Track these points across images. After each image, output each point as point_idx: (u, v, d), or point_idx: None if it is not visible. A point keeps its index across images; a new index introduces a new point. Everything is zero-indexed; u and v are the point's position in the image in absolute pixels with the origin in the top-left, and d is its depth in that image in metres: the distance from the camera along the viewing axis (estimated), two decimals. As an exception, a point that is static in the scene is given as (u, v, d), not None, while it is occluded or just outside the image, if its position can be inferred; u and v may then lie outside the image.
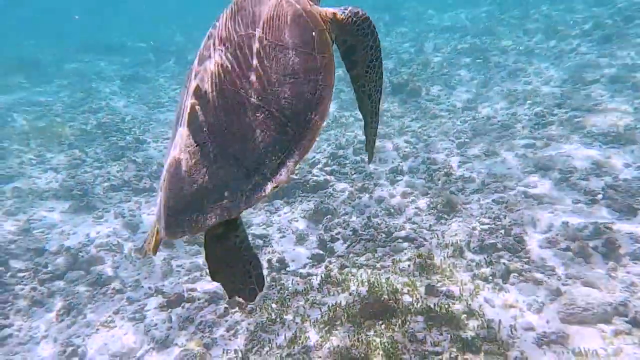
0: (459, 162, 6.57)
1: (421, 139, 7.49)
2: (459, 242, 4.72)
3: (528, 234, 4.68)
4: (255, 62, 1.81)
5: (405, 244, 4.89)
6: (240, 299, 1.89)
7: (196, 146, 1.74)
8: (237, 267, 1.85)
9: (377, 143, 7.44)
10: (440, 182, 6.10)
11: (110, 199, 6.84)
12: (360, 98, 2.31)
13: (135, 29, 20.38)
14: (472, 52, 11.08)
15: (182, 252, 5.45)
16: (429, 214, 5.45)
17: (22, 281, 5.02)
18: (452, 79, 9.90)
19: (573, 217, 4.74)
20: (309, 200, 6.07)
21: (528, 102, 7.95)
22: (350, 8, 2.09)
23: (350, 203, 5.96)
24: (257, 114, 1.74)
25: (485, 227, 4.94)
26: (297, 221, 5.69)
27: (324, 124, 1.86)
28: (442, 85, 9.68)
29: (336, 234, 5.31)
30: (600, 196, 4.93)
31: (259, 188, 1.70)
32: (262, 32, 1.85)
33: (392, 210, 5.64)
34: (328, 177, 6.55)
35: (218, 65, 1.82)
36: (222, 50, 1.85)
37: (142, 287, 4.88)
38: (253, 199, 1.70)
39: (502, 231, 4.76)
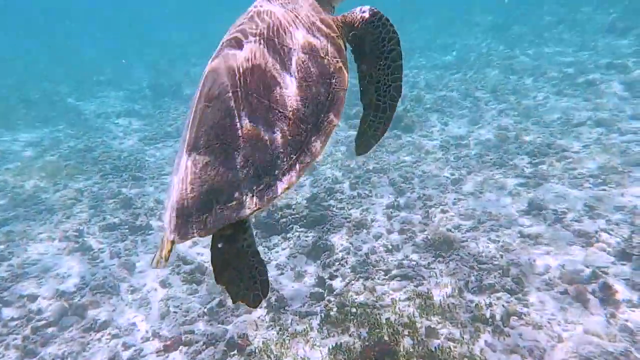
0: (454, 198, 6.66)
1: (416, 175, 7.60)
2: (457, 281, 4.74)
3: (526, 275, 4.72)
4: (269, 66, 1.81)
5: (404, 282, 4.89)
6: (244, 304, 1.85)
7: (206, 148, 1.73)
8: (244, 271, 1.81)
9: (374, 178, 7.61)
10: (436, 219, 6.16)
11: (106, 238, 6.70)
12: (366, 89, 2.16)
13: (132, 63, 20.53)
14: (464, 89, 11.42)
15: (179, 291, 5.35)
16: (427, 251, 5.48)
17: (14, 330, 4.84)
18: (444, 115, 10.14)
19: (568, 259, 4.82)
20: (307, 236, 6.06)
21: (519, 140, 8.17)
22: (358, 8, 2.11)
23: (348, 239, 5.96)
24: (270, 116, 1.73)
25: (483, 266, 4.99)
26: (295, 257, 5.65)
27: (337, 126, 1.84)
28: (436, 121, 9.91)
29: (335, 271, 5.29)
30: (594, 239, 5.03)
31: (270, 189, 1.68)
32: (277, 38, 1.87)
33: (390, 247, 5.66)
34: (325, 212, 6.56)
35: (229, 68, 1.82)
36: (234, 55, 1.85)
37: (139, 330, 4.75)
38: (264, 200, 1.67)
39: (500, 271, 4.80)
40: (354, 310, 4.48)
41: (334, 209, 6.75)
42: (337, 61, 1.89)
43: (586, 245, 5.00)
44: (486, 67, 12.82)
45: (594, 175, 6.40)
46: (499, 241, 5.42)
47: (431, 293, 4.58)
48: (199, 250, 6.15)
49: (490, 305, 4.34)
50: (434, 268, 5.11)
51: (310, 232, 6.19)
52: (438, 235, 5.63)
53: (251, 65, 1.81)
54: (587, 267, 4.57)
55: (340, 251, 5.69)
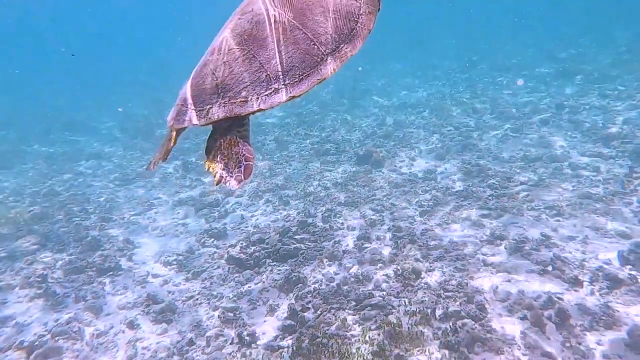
0: (422, 229, 6.94)
1: (386, 207, 7.88)
2: (425, 309, 4.92)
3: (488, 301, 4.97)
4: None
5: (374, 312, 5.03)
6: (226, 186, 1.94)
7: (228, 50, 1.92)
8: (232, 155, 1.93)
9: (345, 211, 7.85)
10: (405, 249, 6.40)
11: (71, 282, 6.54)
12: None
13: (102, 104, 20.47)
14: (429, 126, 12.02)
15: (147, 332, 5.29)
16: (396, 281, 5.67)
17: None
18: (412, 151, 10.61)
19: (528, 286, 5.11)
20: (280, 270, 6.16)
21: (482, 174, 8.65)
22: None
23: (320, 271, 6.09)
24: (294, 33, 1.91)
25: (449, 294, 5.20)
26: (267, 291, 5.72)
27: (352, 56, 1.99)
28: (404, 156, 10.35)
29: (307, 303, 5.38)
30: (550, 267, 5.37)
31: (276, 94, 1.87)
32: None
33: (361, 277, 5.82)
34: (298, 245, 6.70)
35: None
36: None
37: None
38: (267, 103, 1.86)
39: (465, 299, 5.03)
40: (325, 341, 4.57)
41: (307, 242, 6.89)
42: (368, 7, 2.06)
43: (543, 273, 5.32)
44: (451, 106, 13.56)
45: (549, 207, 6.85)
46: (464, 269, 5.68)
47: (400, 321, 4.74)
48: (170, 288, 6.13)
49: (455, 331, 4.53)
50: (404, 297, 5.29)
51: (283, 265, 6.30)
52: (407, 265, 5.84)
53: None
54: (544, 293, 4.86)
55: (313, 283, 5.81)
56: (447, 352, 4.27)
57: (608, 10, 24.01)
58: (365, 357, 4.15)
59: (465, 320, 4.70)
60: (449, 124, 12.00)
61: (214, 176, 1.94)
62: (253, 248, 6.53)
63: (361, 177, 9.38)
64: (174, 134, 2.13)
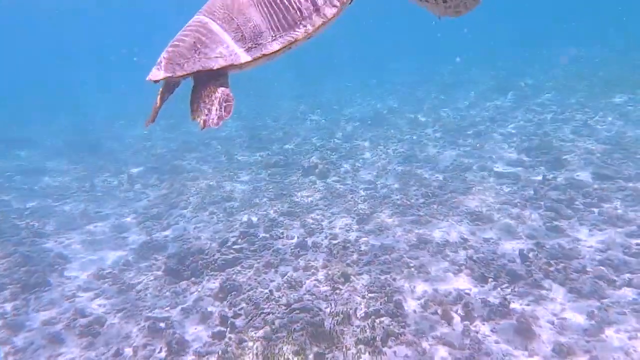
0: (357, 236, 7.34)
1: (326, 216, 8.26)
2: (348, 310, 5.27)
3: (406, 300, 5.38)
4: None
5: (302, 315, 5.33)
6: (210, 125, 2.12)
7: (211, 13, 2.20)
8: (213, 101, 2.13)
9: (287, 221, 8.16)
10: (338, 255, 6.77)
11: None
12: None
13: (47, 119, 19.89)
14: (374, 140, 12.59)
15: (72, 346, 5.31)
16: (326, 285, 6.01)
17: None
18: (356, 162, 11.10)
19: (442, 284, 5.57)
20: (216, 279, 6.36)
21: (417, 184, 9.20)
22: None
23: (256, 279, 6.35)
24: (274, 6, 2.21)
25: (373, 295, 5.59)
26: (202, 300, 5.91)
27: (320, 25, 2.25)
28: (349, 167, 10.81)
29: (239, 310, 5.62)
30: (463, 266, 5.87)
31: (250, 52, 2.15)
32: None
33: (294, 283, 6.12)
34: (237, 254, 6.94)
35: None
36: None
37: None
38: (240, 58, 2.13)
39: (385, 298, 5.43)
40: (251, 344, 4.82)
41: (246, 251, 7.14)
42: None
43: (457, 272, 5.81)
44: (397, 120, 14.24)
45: (471, 212, 7.43)
46: (389, 272, 6.10)
47: (324, 322, 5.07)
48: (101, 302, 6.17)
49: (373, 328, 4.90)
50: (331, 300, 5.63)
51: (221, 274, 6.51)
52: (337, 269, 6.21)
53: None
54: (455, 290, 5.33)
55: (247, 290, 6.05)
56: (362, 347, 4.63)
57: (542, 28, 25.91)
58: (285, 357, 4.43)
59: (383, 318, 5.09)
60: (394, 137, 12.62)
61: (199, 122, 2.11)
62: (191, 258, 6.71)
63: (306, 189, 9.74)
64: (159, 97, 2.39)
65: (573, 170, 8.54)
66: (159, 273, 6.67)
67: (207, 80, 2.17)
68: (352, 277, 6.08)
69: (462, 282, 5.57)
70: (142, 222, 8.65)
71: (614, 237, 6.15)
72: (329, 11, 2.26)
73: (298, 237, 7.52)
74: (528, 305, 4.95)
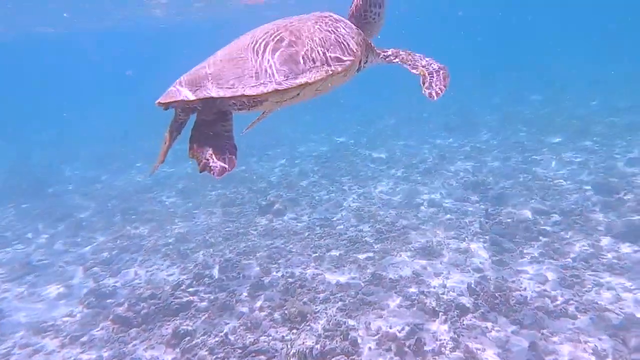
0: (313, 274, 7.40)
1: (283, 255, 8.28)
2: (305, 350, 5.27)
3: (362, 337, 5.46)
4: (311, 30, 2.47)
5: (258, 358, 5.26)
6: (209, 172, 2.06)
7: (227, 54, 2.32)
8: (218, 145, 2.13)
9: (243, 260, 8.09)
10: (295, 294, 6.78)
11: None
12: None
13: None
14: (331, 176, 12.90)
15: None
16: (283, 325, 5.98)
17: None
18: (313, 200, 11.28)
19: (396, 320, 5.72)
20: (169, 324, 6.17)
21: (371, 220, 9.48)
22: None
23: (211, 322, 6.21)
24: (290, 47, 2.34)
25: (329, 333, 5.63)
26: (153, 348, 5.70)
27: (329, 73, 2.37)
28: (305, 205, 10.96)
29: (193, 356, 5.46)
30: (416, 301, 6.06)
31: (262, 86, 2.21)
32: (319, 21, 2.59)
33: (250, 325, 6.04)
34: (191, 297, 6.78)
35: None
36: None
37: None
38: (249, 91, 2.18)
39: (341, 336, 5.48)
40: (205, 389, 4.69)
41: (201, 294, 6.99)
42: (359, 46, 2.62)
43: (410, 307, 5.99)
44: (351, 157, 14.70)
45: (422, 247, 7.73)
46: (345, 309, 6.17)
47: (280, 364, 5.03)
48: (40, 358, 5.81)
49: (329, 368, 4.92)
50: (287, 340, 5.60)
51: (174, 319, 6.32)
52: (294, 308, 6.21)
53: (296, 27, 2.48)
54: (408, 325, 5.48)
55: (201, 335, 5.90)
56: (318, 388, 4.62)
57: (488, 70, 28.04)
58: (241, 402, 4.35)
59: (339, 357, 5.12)
60: (348, 174, 12.99)
61: (199, 163, 2.08)
62: (142, 304, 6.48)
63: (263, 227, 9.75)
64: (167, 135, 2.40)
65: (514, 205, 9.15)
66: (107, 323, 6.37)
67: (213, 120, 2.22)
68: (308, 315, 6.10)
69: (415, 317, 5.74)
70: (89, 269, 8.27)
71: (551, 269, 6.61)
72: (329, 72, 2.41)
73: (254, 277, 7.47)
74: (476, 337, 5.18)
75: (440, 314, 5.65)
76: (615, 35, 39.73)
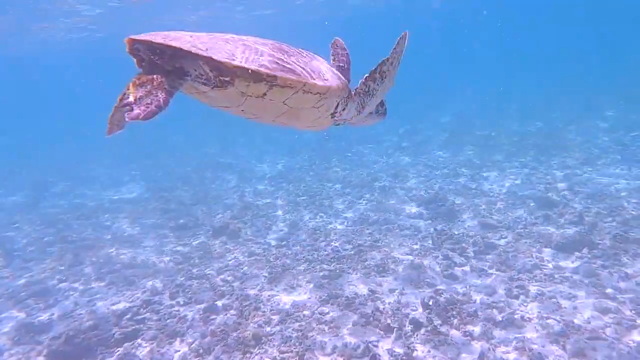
0: (269, 295, 7.23)
1: (237, 277, 8.05)
2: (259, 375, 5.08)
3: (317, 357, 5.36)
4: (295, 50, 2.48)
5: (210, 386, 5.01)
6: (124, 109, 1.91)
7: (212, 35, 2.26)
8: (152, 93, 1.97)
9: (195, 284, 7.78)
10: (249, 316, 6.57)
11: None
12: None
13: None
14: (285, 197, 12.82)
15: None
16: (237, 349, 5.76)
17: None
18: (268, 220, 11.14)
19: (351, 338, 5.67)
20: (112, 356, 5.77)
21: (327, 239, 9.47)
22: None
23: (159, 351, 5.88)
24: (277, 49, 2.32)
25: (284, 355, 5.48)
26: (93, 381, 5.30)
27: (305, 80, 2.29)
28: (260, 225, 10.79)
29: (138, 387, 5.12)
30: (371, 318, 6.06)
31: (232, 60, 2.09)
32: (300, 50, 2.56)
33: (202, 351, 5.77)
34: (137, 326, 6.40)
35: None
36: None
37: None
38: (218, 56, 2.07)
39: (297, 358, 5.35)
40: None
41: (149, 321, 6.63)
42: (341, 80, 2.63)
43: (365, 324, 5.97)
44: (305, 177, 14.74)
45: (377, 265, 7.79)
46: (300, 330, 6.05)
47: (233, 391, 4.81)
48: None
49: (283, 392, 4.76)
50: (241, 366, 5.39)
51: (117, 350, 5.92)
52: (248, 332, 6.01)
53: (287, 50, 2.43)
54: (363, 343, 5.45)
55: (149, 365, 5.56)
56: (273, 413, 4.45)
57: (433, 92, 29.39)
58: None
59: (294, 379, 4.98)
60: (305, 194, 12.98)
61: (124, 95, 1.95)
62: (82, 337, 6.03)
63: (216, 250, 9.47)
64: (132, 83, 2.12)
65: (464, 221, 9.48)
66: (40, 358, 5.85)
67: (168, 72, 2.10)
68: (263, 338, 5.92)
69: (370, 334, 5.71)
70: (21, 302, 7.63)
71: (499, 281, 6.85)
72: (320, 83, 2.38)
73: (207, 301, 7.19)
74: (429, 351, 5.22)
75: (395, 329, 5.67)
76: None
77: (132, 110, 1.87)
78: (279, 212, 11.72)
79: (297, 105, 2.42)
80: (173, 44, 2.05)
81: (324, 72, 2.47)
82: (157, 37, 2.10)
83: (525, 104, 22.38)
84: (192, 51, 2.03)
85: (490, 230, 8.84)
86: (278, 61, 2.23)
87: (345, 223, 10.37)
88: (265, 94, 2.25)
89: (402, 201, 11.28)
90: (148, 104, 1.90)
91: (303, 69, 2.33)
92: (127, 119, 1.87)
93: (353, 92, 2.78)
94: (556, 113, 19.41)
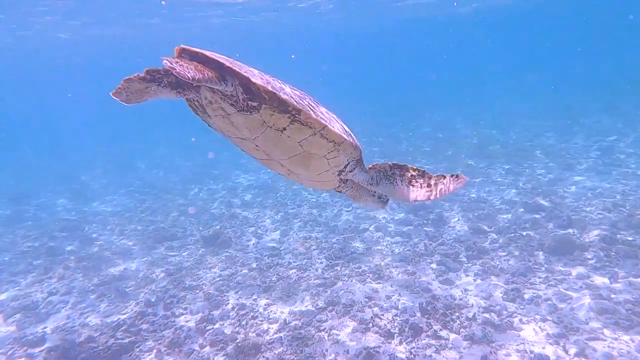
0: (265, 304, 7.19)
1: (231, 287, 7.98)
2: (262, 385, 5.05)
3: (320, 365, 5.36)
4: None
5: (212, 397, 4.95)
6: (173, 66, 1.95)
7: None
8: (197, 69, 2.04)
9: (189, 295, 7.67)
10: (247, 326, 6.53)
11: None
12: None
13: None
14: (273, 206, 12.80)
15: None
16: (236, 358, 5.70)
17: None
18: (258, 229, 11.10)
19: (352, 344, 5.69)
20: (109, 367, 5.64)
21: (321, 247, 9.48)
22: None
23: (156, 362, 5.77)
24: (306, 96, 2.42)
25: (286, 365, 5.45)
26: (92, 394, 5.16)
27: (322, 120, 2.35)
28: (250, 235, 10.74)
29: (139, 400, 5.01)
30: (370, 324, 6.10)
31: (262, 82, 2.16)
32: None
33: (201, 363, 5.69)
34: (133, 337, 6.27)
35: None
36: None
37: None
38: (254, 79, 2.13)
39: (299, 367, 5.34)
40: None
41: (145, 333, 6.50)
42: (352, 138, 2.65)
43: (365, 331, 6.01)
44: (295, 185, 14.75)
45: (372, 271, 7.86)
46: (300, 338, 6.04)
47: (237, 401, 4.76)
48: None
49: (289, 400, 4.74)
50: (242, 376, 5.34)
51: (115, 362, 5.79)
52: (247, 341, 5.96)
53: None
54: (364, 349, 5.48)
55: (147, 377, 5.45)
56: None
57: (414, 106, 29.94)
58: None
59: (298, 387, 4.97)
60: (293, 202, 12.99)
61: (174, 62, 1.99)
62: (78, 349, 5.88)
63: (208, 260, 9.37)
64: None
65: (454, 226, 9.66)
66: (35, 372, 5.69)
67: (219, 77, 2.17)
68: (262, 347, 5.88)
69: (371, 340, 5.75)
70: (11, 316, 7.38)
71: (494, 285, 7.00)
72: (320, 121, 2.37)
73: (203, 312, 7.10)
74: (430, 356, 5.29)
75: (396, 335, 5.72)
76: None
77: (171, 63, 1.95)
78: (268, 222, 11.69)
79: (311, 150, 2.45)
80: (219, 59, 2.14)
81: (341, 127, 2.57)
82: (210, 52, 2.21)
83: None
84: (233, 68, 2.11)
85: (480, 234, 9.03)
86: (304, 101, 2.32)
87: (337, 230, 10.41)
88: (284, 129, 2.29)
89: (391, 208, 11.41)
90: (186, 67, 1.97)
91: (324, 115, 2.42)
92: (164, 63, 1.96)
93: (370, 166, 2.89)
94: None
